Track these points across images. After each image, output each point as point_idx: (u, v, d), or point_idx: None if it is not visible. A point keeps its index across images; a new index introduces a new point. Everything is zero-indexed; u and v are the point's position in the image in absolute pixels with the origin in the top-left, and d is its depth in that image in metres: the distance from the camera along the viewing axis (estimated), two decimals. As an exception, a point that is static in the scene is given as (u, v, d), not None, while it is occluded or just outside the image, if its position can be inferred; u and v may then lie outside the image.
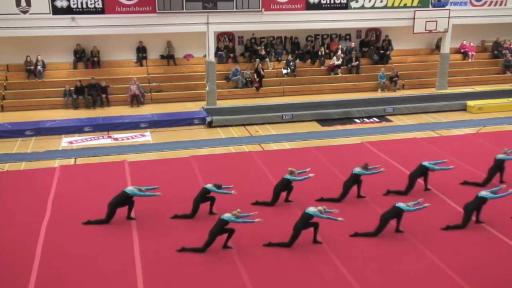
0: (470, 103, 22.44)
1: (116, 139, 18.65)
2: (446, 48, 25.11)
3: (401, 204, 11.49)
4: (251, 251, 10.96)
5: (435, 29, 24.45)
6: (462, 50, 28.15)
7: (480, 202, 11.87)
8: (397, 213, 11.51)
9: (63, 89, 22.25)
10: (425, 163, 13.67)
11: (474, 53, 28.09)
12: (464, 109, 22.47)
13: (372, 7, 23.64)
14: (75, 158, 16.64)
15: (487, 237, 11.64)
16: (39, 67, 22.84)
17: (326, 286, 9.88)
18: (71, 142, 18.25)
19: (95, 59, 23.80)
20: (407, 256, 10.89)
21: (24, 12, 20.32)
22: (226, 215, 10.86)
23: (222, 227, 10.86)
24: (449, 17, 24.24)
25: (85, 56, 23.88)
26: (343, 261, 10.62)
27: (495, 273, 10.28)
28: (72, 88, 22.16)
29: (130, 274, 10.18)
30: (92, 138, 18.66)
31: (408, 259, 10.77)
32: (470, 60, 27.94)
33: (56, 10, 20.57)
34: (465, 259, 10.75)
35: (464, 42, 28.04)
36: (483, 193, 11.92)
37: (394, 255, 10.92)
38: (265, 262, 10.63)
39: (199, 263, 10.56)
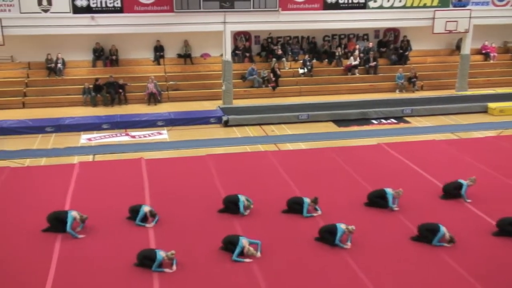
0: (491, 105, 22.12)
1: (133, 136, 18.80)
2: (466, 48, 24.81)
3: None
4: (265, 251, 10.97)
5: (456, 30, 24.17)
6: (483, 51, 27.79)
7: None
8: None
9: (82, 86, 22.50)
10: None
11: (495, 54, 27.69)
12: (485, 111, 22.13)
13: (391, 7, 23.45)
14: (94, 155, 16.83)
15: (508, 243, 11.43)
16: (59, 65, 23.14)
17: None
18: (89, 139, 18.46)
19: (114, 57, 24.03)
20: (426, 262, 10.68)
21: (45, 11, 20.59)
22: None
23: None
24: (470, 17, 23.95)
25: (104, 55, 24.13)
26: (360, 265, 10.53)
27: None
28: (91, 86, 22.40)
29: (144, 271, 10.26)
30: (110, 135, 18.85)
31: (427, 265, 10.60)
32: (491, 61, 27.56)
33: (76, 9, 20.82)
34: (486, 266, 10.53)
35: (486, 43, 27.67)
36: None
37: (412, 261, 10.76)
38: (280, 264, 10.62)
39: (214, 261, 10.61)
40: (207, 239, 11.42)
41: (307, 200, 12.43)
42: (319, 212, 12.46)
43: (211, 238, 11.37)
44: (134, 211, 12.10)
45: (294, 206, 12.49)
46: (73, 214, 11.53)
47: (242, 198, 12.46)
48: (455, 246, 11.16)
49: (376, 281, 9.96)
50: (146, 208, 12.02)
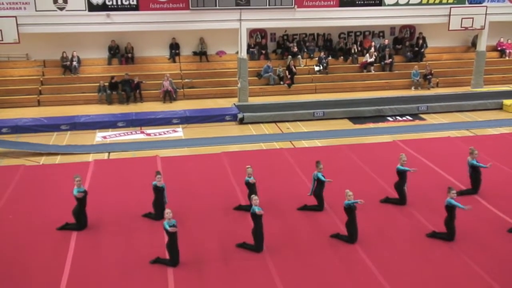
0: (507, 102, 21.93)
1: (148, 134, 18.88)
2: (482, 45, 24.57)
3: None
4: (281, 249, 11.01)
5: (471, 26, 23.93)
6: (499, 48, 27.53)
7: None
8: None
9: (97, 84, 22.62)
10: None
11: (511, 51, 27.39)
12: (500, 108, 21.98)
13: (407, 4, 23.25)
14: (109, 153, 16.93)
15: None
16: (74, 63, 23.28)
17: (357, 284, 9.85)
18: (105, 137, 18.57)
19: (129, 55, 24.12)
20: (441, 259, 10.68)
21: (61, 9, 20.71)
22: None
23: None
24: (486, 14, 23.70)
25: (119, 52, 24.23)
26: (374, 262, 10.54)
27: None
28: (106, 84, 22.51)
29: (160, 268, 10.32)
30: (125, 133, 18.95)
31: (442, 262, 10.59)
32: (507, 58, 27.29)
33: (91, 7, 20.89)
34: (501, 263, 10.49)
35: (501, 40, 27.41)
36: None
37: (427, 257, 10.75)
38: (294, 260, 10.66)
39: (228, 258, 10.65)
40: (222, 235, 11.48)
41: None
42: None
43: (226, 235, 11.45)
44: (156, 205, 12.21)
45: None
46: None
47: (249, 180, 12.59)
48: (471, 243, 11.14)
49: (390, 277, 9.98)
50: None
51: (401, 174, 12.83)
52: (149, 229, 11.76)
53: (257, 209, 10.53)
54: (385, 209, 12.72)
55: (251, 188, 12.46)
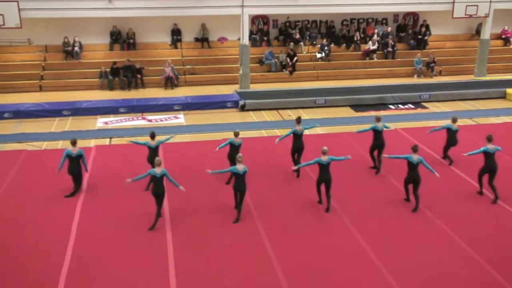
0: (510, 90, 21.87)
1: (150, 120, 18.89)
2: (486, 33, 24.43)
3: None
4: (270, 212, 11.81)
5: (476, 14, 23.78)
6: (503, 36, 27.39)
7: None
8: None
9: (99, 70, 22.57)
10: None
11: (515, 39, 27.30)
12: (503, 97, 21.92)
13: (410, -9, 23.15)
14: (110, 138, 16.94)
15: (499, 210, 12.17)
16: (76, 48, 23.23)
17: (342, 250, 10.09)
18: (106, 123, 18.58)
19: (131, 41, 24.06)
20: (418, 225, 11.44)
21: (63, -6, 20.61)
22: None
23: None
24: (490, 1, 23.53)
25: (121, 38, 24.17)
26: (357, 228, 11.26)
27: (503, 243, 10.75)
28: (108, 70, 22.46)
29: (161, 237, 10.75)
30: (127, 119, 18.95)
31: (419, 228, 11.30)
32: (511, 47, 27.15)
33: (93, -8, 20.81)
34: (475, 229, 11.27)
35: (506, 28, 27.25)
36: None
37: (405, 223, 11.54)
38: (282, 222, 11.48)
39: (222, 226, 11.30)
40: (218, 212, 11.95)
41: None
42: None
43: (222, 212, 11.93)
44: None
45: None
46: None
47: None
48: (446, 210, 12.01)
49: (370, 240, 10.72)
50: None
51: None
52: (149, 212, 11.86)
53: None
54: (381, 195, 12.85)
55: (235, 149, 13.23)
